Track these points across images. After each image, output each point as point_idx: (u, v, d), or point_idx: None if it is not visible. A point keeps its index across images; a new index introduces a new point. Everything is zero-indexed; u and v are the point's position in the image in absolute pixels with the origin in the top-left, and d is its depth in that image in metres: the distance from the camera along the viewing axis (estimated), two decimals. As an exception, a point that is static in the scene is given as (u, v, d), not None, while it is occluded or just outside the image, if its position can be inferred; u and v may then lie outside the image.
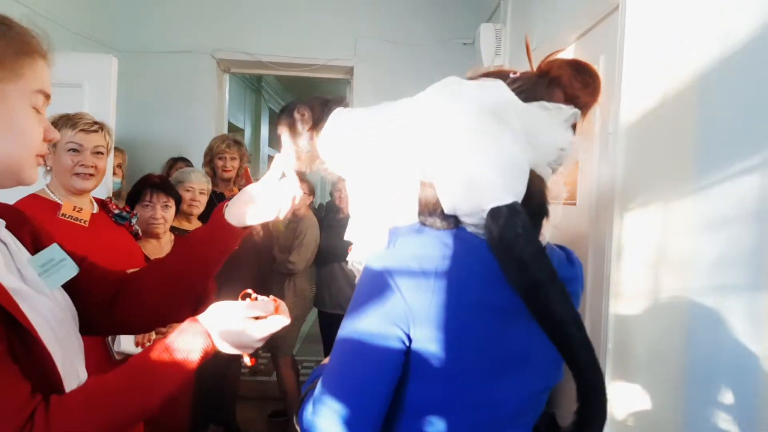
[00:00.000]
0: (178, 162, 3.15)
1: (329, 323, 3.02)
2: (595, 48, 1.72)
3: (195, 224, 2.35)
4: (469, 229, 0.73)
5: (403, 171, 0.74)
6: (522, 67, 0.82)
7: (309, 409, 0.73)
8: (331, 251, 2.94)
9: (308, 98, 0.91)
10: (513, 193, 0.67)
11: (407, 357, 0.71)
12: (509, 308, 0.70)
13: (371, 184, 0.80)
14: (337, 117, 0.86)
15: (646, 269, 1.33)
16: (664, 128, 1.27)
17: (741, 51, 1.02)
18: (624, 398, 1.37)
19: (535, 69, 0.79)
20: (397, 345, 0.70)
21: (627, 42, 1.41)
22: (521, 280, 0.67)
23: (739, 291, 1.01)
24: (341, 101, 0.89)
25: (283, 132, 0.91)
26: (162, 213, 1.97)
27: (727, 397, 1.02)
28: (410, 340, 0.70)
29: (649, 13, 1.37)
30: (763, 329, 0.94)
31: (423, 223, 0.75)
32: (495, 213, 0.66)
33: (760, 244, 0.95)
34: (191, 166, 3.06)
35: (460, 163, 0.69)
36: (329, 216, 3.22)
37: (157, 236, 2.00)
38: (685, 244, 1.16)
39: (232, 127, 5.46)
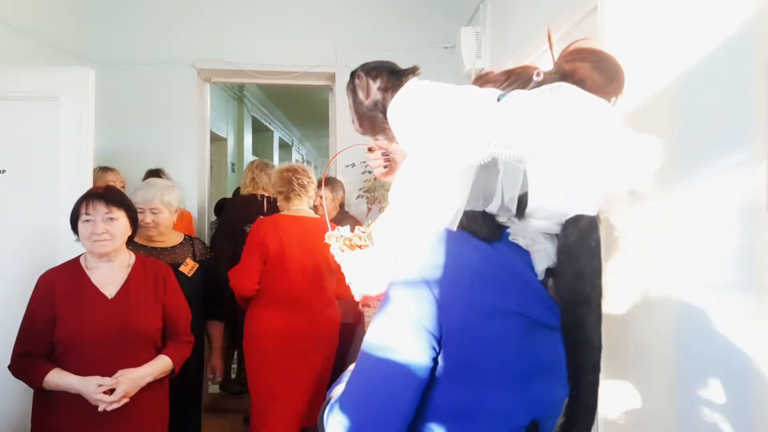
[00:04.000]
0: (150, 176, 2.95)
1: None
2: (575, 48, 1.73)
3: (169, 237, 2.26)
4: (517, 239, 0.71)
5: (474, 149, 0.67)
6: (503, 68, 0.82)
7: (334, 413, 0.72)
8: None
9: (375, 62, 0.93)
10: (597, 208, 0.67)
11: (435, 362, 0.70)
12: (534, 318, 0.70)
13: (426, 168, 0.73)
14: (413, 86, 0.83)
15: (634, 268, 1.33)
16: (646, 127, 1.27)
17: (720, 48, 1.03)
18: (615, 397, 1.37)
19: (556, 60, 0.76)
20: (428, 351, 0.69)
21: (606, 42, 1.43)
22: (572, 290, 0.66)
23: (727, 288, 1.02)
24: (414, 71, 0.89)
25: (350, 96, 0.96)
26: (105, 227, 1.56)
27: (718, 395, 1.03)
28: (440, 347, 0.70)
29: (627, 13, 1.39)
30: (752, 326, 0.95)
31: (463, 229, 0.72)
32: (578, 220, 0.66)
33: (747, 242, 0.96)
34: (165, 178, 2.94)
35: (570, 167, 0.65)
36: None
37: (106, 257, 1.60)
38: (672, 243, 1.17)
39: (214, 137, 5.42)
